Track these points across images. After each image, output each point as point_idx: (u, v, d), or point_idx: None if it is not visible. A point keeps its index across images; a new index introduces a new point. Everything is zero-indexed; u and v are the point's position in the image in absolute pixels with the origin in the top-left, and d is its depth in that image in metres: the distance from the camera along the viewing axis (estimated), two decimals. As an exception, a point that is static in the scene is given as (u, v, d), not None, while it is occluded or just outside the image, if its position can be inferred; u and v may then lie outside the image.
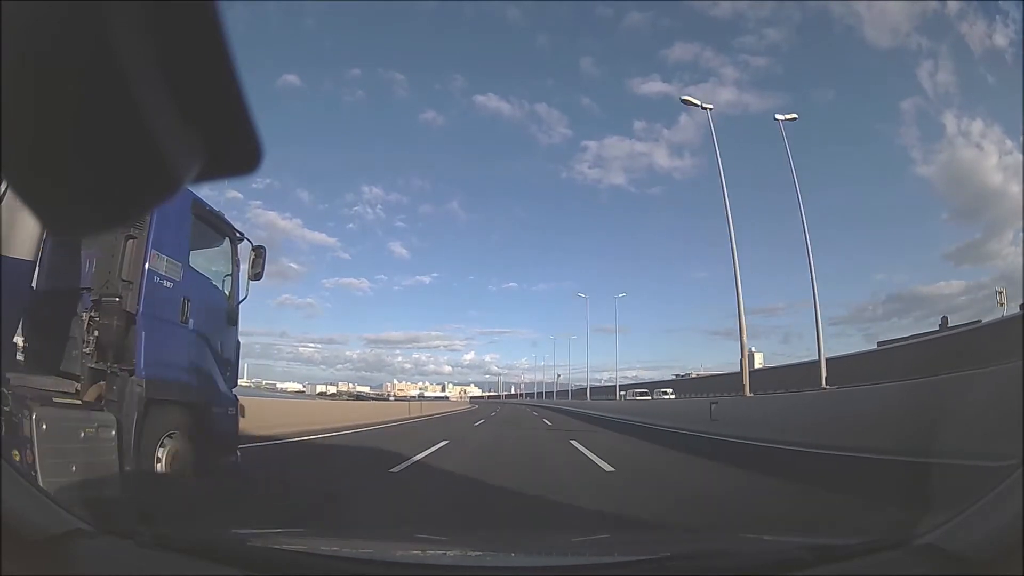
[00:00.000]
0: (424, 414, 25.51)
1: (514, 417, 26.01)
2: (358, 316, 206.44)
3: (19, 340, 3.60)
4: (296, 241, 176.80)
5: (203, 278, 4.65)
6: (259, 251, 5.31)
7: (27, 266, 3.24)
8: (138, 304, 3.77)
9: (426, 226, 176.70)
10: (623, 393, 49.32)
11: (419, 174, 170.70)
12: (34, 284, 3.88)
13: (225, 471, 4.68)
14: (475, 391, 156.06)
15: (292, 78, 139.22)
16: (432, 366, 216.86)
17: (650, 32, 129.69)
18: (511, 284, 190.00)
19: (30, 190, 0.49)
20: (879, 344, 30.70)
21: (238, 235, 5.28)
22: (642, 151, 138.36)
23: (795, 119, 20.88)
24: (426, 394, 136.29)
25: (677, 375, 64.48)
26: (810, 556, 1.33)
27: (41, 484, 2.70)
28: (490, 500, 4.94)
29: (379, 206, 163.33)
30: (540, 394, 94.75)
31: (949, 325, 23.86)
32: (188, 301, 4.25)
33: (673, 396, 41.96)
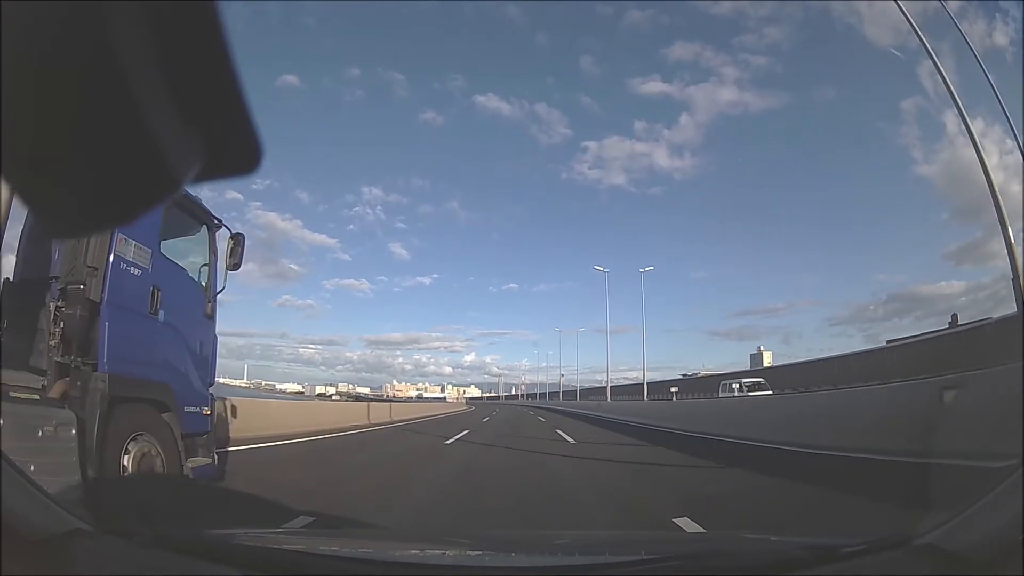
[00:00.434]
0: (395, 419, 20.81)
1: (513, 423, 20.66)
2: (358, 317, 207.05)
3: None
4: (296, 242, 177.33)
5: (176, 267, 4.37)
6: (237, 239, 4.95)
7: None
8: (102, 292, 3.50)
9: (426, 227, 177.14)
10: (735, 385, 29.42)
11: (419, 174, 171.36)
12: (11, 276, 3.84)
13: (198, 477, 4.34)
14: (475, 392, 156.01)
15: (291, 78, 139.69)
16: (432, 367, 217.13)
17: (650, 31, 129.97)
18: (511, 285, 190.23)
19: (30, 190, 0.49)
20: (888, 342, 30.79)
21: (216, 222, 4.96)
22: (642, 151, 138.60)
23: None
24: (425, 395, 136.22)
25: (684, 374, 60.88)
26: (810, 556, 1.33)
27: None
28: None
29: (379, 207, 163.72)
30: (544, 395, 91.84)
31: (960, 323, 23.75)
32: (158, 291, 3.97)
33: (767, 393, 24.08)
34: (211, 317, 4.90)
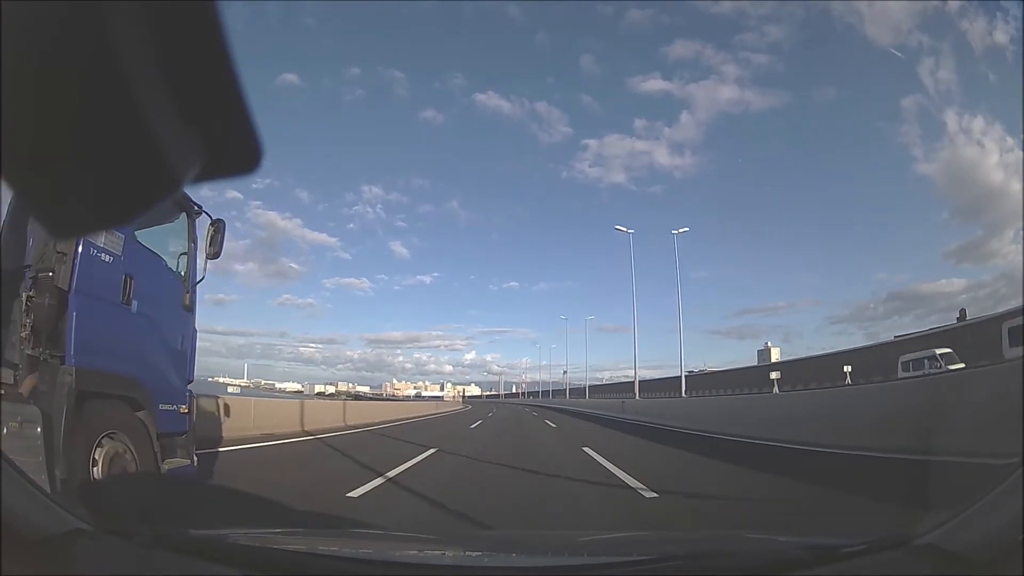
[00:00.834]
0: (368, 422, 16.62)
1: (514, 433, 14.10)
2: (359, 316, 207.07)
3: None
4: (296, 241, 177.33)
5: (151, 254, 4.11)
6: (218, 225, 4.63)
7: None
8: (71, 279, 3.25)
9: (426, 225, 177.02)
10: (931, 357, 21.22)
11: (419, 173, 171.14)
12: None
13: (175, 479, 4.08)
14: (475, 391, 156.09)
15: (291, 77, 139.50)
16: (433, 366, 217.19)
17: (651, 29, 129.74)
18: (512, 284, 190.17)
19: (30, 190, 0.49)
20: (895, 337, 30.78)
21: (195, 208, 4.66)
22: (643, 149, 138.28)
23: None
24: (423, 394, 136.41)
25: (691, 372, 60.22)
26: (810, 556, 1.33)
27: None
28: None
29: (379, 205, 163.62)
30: (547, 392, 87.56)
31: (967, 318, 23.68)
32: (131, 279, 3.69)
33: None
34: (190, 309, 4.57)
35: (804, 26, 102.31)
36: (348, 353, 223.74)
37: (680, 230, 33.50)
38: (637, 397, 30.14)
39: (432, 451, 8.83)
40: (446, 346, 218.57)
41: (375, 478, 5.85)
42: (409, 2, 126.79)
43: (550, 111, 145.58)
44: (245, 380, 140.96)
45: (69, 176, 0.48)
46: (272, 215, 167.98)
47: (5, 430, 2.85)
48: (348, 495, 4.91)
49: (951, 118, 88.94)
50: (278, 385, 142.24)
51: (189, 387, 4.54)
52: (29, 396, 3.14)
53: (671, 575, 1.35)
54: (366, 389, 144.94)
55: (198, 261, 4.70)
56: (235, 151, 0.52)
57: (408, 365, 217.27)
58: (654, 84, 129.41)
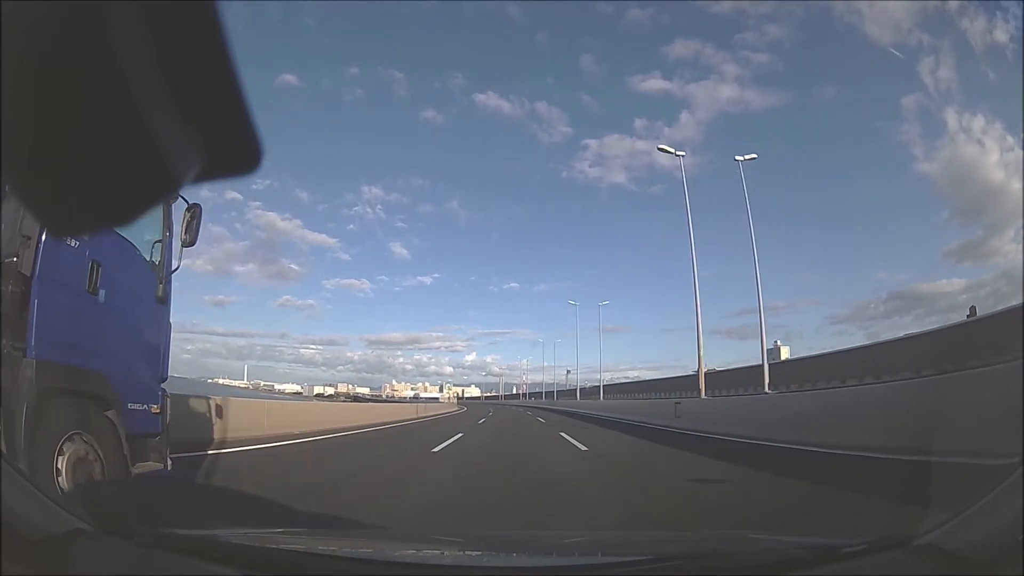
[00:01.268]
0: (340, 427, 13.91)
1: (504, 449, 10.06)
2: (359, 317, 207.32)
3: None
4: (296, 242, 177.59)
5: (121, 241, 3.80)
6: (194, 211, 4.32)
7: None
8: (34, 265, 3.02)
9: (426, 226, 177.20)
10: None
11: (419, 174, 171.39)
12: None
13: (146, 484, 3.82)
14: (475, 392, 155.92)
15: (291, 77, 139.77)
16: (433, 367, 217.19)
17: (651, 29, 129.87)
18: (512, 284, 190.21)
19: (30, 190, 0.49)
20: (905, 335, 30.42)
21: None
22: (643, 149, 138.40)
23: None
24: (422, 395, 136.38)
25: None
26: (810, 556, 1.33)
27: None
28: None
29: (379, 206, 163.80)
30: (552, 394, 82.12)
31: (977, 314, 23.51)
32: (99, 267, 3.40)
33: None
34: (163, 301, 4.27)
35: (804, 25, 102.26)
36: (349, 354, 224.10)
37: (746, 157, 22.06)
38: (703, 395, 19.49)
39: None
40: (446, 347, 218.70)
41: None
42: (409, 2, 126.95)
43: (550, 111, 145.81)
44: (244, 381, 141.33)
45: (69, 176, 0.48)
46: (272, 216, 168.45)
47: None
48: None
49: (951, 117, 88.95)
50: (277, 386, 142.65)
51: (163, 385, 4.27)
52: None
53: (671, 575, 1.35)
54: (366, 390, 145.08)
55: (173, 249, 4.36)
56: (235, 151, 0.52)
57: (408, 366, 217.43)
58: (654, 84, 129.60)
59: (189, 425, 8.37)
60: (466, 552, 1.92)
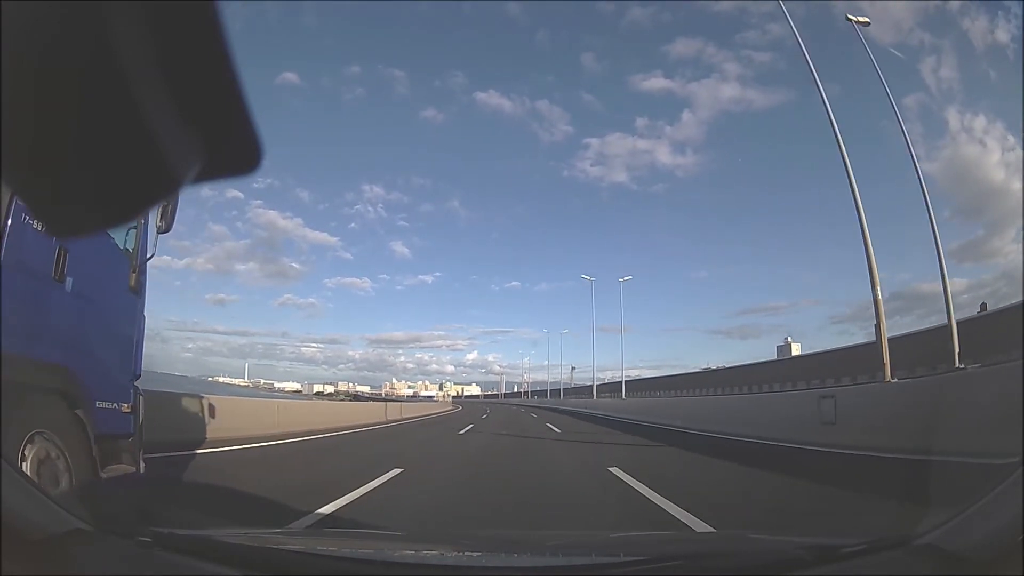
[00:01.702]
0: (307, 429, 12.72)
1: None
2: (360, 316, 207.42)
3: None
4: (297, 241, 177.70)
5: None
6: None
7: None
8: None
9: (427, 225, 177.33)
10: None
11: (420, 172, 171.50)
12: None
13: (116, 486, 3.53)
14: (475, 390, 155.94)
15: (291, 76, 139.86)
16: (435, 366, 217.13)
17: (652, 27, 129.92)
18: (513, 283, 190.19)
19: (30, 190, 0.49)
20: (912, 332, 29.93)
21: None
22: (644, 148, 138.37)
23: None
24: (421, 394, 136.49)
25: (704, 369, 54.21)
26: (810, 556, 1.33)
27: None
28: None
29: (380, 205, 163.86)
30: (558, 392, 74.52)
31: (988, 310, 23.39)
32: (66, 252, 3.16)
33: None
34: (137, 291, 3.98)
35: (806, 24, 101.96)
36: (350, 353, 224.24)
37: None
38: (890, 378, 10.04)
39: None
40: (448, 346, 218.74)
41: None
42: (409, 1, 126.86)
43: (551, 109, 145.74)
44: (245, 380, 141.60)
45: (69, 176, 0.48)
46: (273, 215, 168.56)
47: None
48: None
49: (953, 116, 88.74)
50: (277, 385, 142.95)
51: (136, 383, 3.99)
52: None
53: (671, 575, 1.35)
54: (366, 389, 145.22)
55: (148, 235, 4.11)
56: (235, 151, 0.52)
57: (410, 365, 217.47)
58: (656, 82, 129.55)
59: (168, 424, 7.93)
60: (466, 552, 1.92)
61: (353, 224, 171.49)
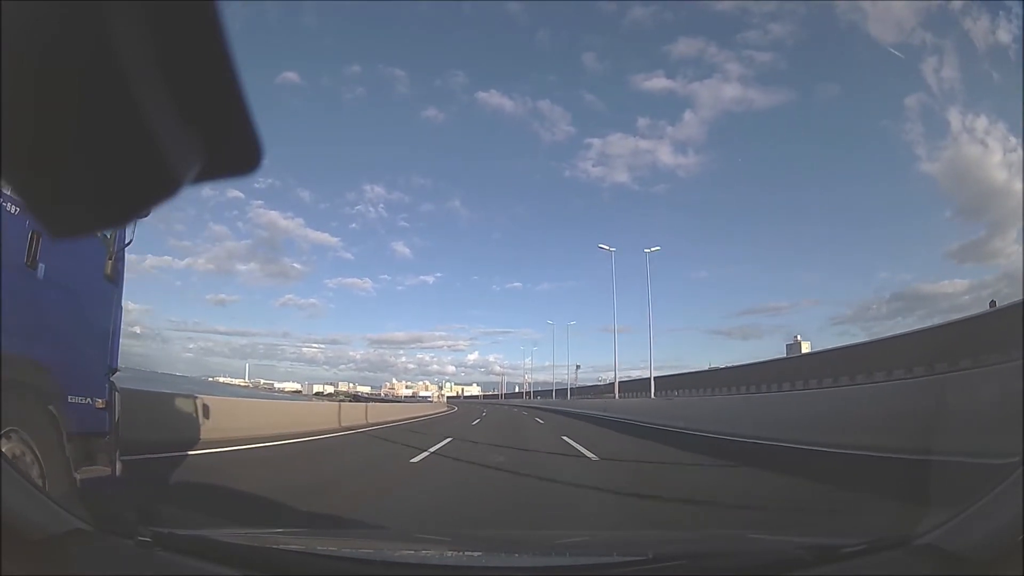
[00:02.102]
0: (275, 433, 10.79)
1: None
2: (361, 316, 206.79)
3: None
4: (298, 241, 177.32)
5: None
6: None
7: None
8: None
9: (428, 225, 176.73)
10: None
11: (421, 172, 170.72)
12: None
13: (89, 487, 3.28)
14: (475, 391, 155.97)
15: (291, 75, 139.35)
16: (436, 366, 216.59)
17: (653, 27, 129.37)
18: (515, 284, 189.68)
19: (30, 190, 0.49)
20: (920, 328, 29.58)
21: None
22: (646, 148, 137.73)
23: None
24: (421, 393, 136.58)
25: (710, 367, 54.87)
26: (810, 556, 1.33)
27: None
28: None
29: (381, 205, 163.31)
30: (565, 391, 67.59)
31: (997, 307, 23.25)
32: (39, 237, 2.95)
33: None
34: (113, 280, 3.74)
35: (807, 24, 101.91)
36: (351, 353, 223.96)
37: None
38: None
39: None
40: (449, 347, 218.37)
41: None
42: (410, 0, 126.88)
43: (552, 109, 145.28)
44: (245, 380, 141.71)
45: (69, 176, 0.48)
46: (274, 215, 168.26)
47: None
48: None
49: (954, 117, 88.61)
50: (277, 385, 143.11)
51: (112, 377, 3.74)
52: None
53: (671, 575, 1.35)
54: (367, 389, 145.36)
55: None
56: (235, 151, 0.52)
57: (411, 365, 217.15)
58: (657, 82, 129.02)
59: (143, 424, 6.85)
60: (466, 552, 1.92)
61: (354, 224, 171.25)
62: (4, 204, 2.86)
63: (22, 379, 2.88)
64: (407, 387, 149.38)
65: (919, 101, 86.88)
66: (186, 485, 5.54)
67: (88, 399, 3.45)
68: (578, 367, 68.74)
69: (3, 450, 2.63)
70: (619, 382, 36.45)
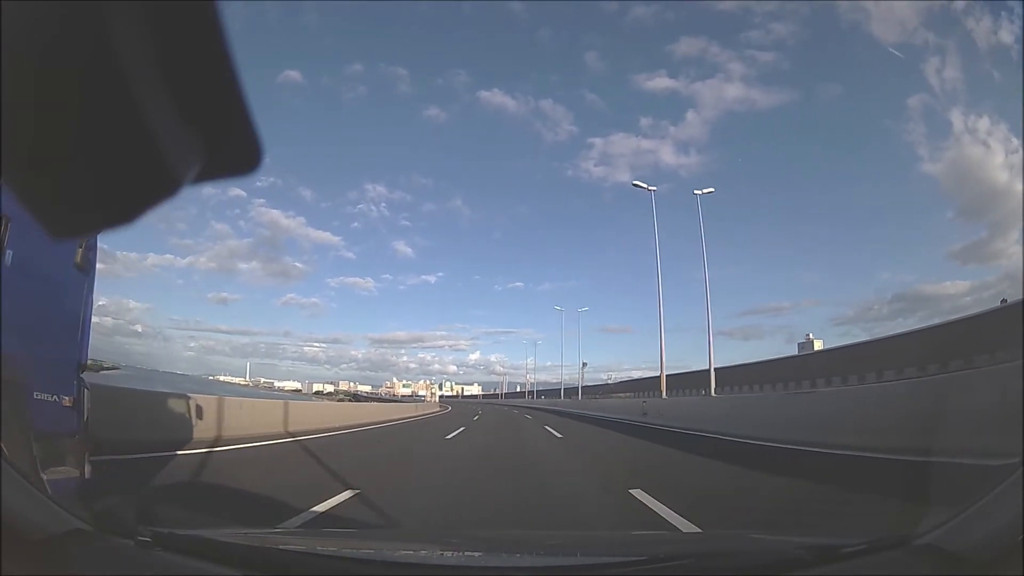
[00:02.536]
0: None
1: None
2: (363, 316, 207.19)
3: None
4: (300, 240, 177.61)
5: None
6: None
7: None
8: None
9: (430, 224, 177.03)
10: None
11: (422, 172, 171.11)
12: None
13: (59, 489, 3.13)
14: (476, 390, 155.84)
15: (293, 74, 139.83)
16: (437, 366, 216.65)
17: (655, 26, 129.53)
18: (516, 284, 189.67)
19: (30, 190, 0.49)
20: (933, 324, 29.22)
21: None
22: (648, 148, 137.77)
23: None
24: (420, 392, 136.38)
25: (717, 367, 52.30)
26: (810, 556, 1.33)
27: None
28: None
29: (383, 204, 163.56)
30: (576, 391, 61.65)
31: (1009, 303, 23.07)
32: (8, 221, 2.82)
33: None
34: (84, 268, 3.54)
35: (810, 23, 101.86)
36: (352, 353, 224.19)
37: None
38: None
39: None
40: (450, 346, 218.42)
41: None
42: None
43: (555, 108, 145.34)
44: (245, 379, 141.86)
45: (69, 176, 0.48)
46: (275, 213, 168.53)
47: None
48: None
49: (956, 117, 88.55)
50: (277, 384, 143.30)
51: (82, 373, 3.53)
52: None
53: (671, 575, 1.35)
54: (367, 388, 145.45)
55: None
56: (235, 151, 0.52)
57: (412, 365, 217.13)
58: (660, 82, 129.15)
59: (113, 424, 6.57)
60: (466, 552, 1.92)
61: (356, 223, 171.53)
62: None
63: None
64: (404, 386, 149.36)
65: (921, 101, 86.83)
66: (159, 486, 5.30)
67: (55, 396, 3.25)
68: (584, 364, 63.89)
69: None
70: (620, 382, 35.25)
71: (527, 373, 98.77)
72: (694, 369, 40.71)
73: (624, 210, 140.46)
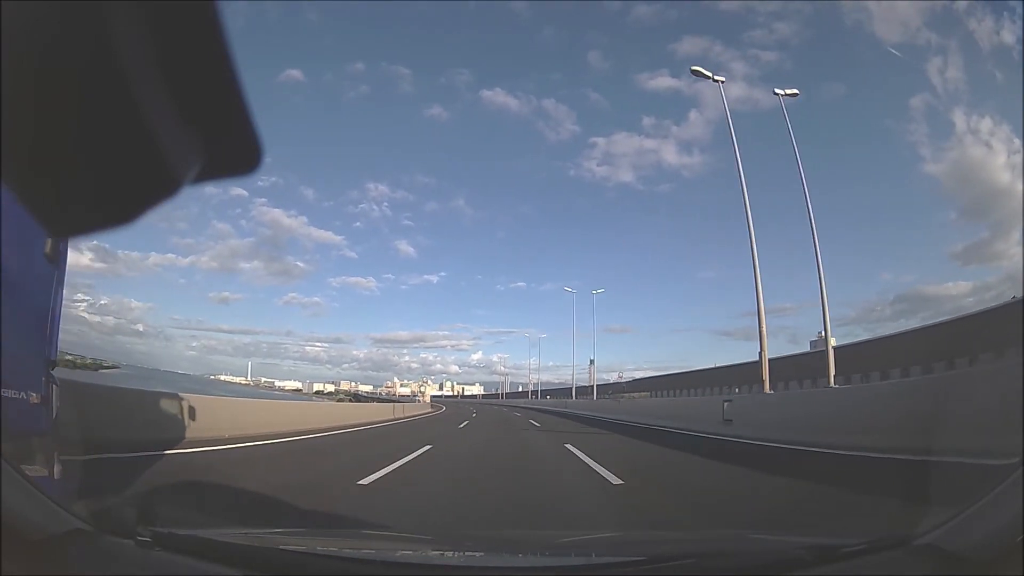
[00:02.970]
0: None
1: None
2: (365, 315, 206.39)
3: None
4: (301, 239, 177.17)
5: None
6: None
7: None
8: None
9: (432, 224, 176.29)
10: None
11: (425, 171, 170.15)
12: None
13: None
14: (477, 390, 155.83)
15: (295, 73, 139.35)
16: (439, 366, 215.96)
17: (658, 26, 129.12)
18: (519, 283, 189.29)
19: (30, 190, 0.49)
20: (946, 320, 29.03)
21: None
22: (651, 147, 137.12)
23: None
24: (411, 392, 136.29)
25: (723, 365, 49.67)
26: (810, 556, 1.33)
27: None
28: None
29: (385, 203, 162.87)
30: (590, 390, 54.05)
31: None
32: None
33: None
34: (54, 260, 3.40)
35: (812, 23, 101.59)
36: (354, 352, 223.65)
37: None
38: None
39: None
40: (452, 346, 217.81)
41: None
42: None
43: (557, 108, 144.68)
44: (246, 379, 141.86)
45: (69, 176, 0.48)
46: (277, 213, 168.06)
47: None
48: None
49: (959, 118, 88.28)
50: (278, 383, 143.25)
51: (53, 370, 3.40)
52: None
53: (671, 575, 1.35)
54: (369, 388, 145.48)
55: None
56: (235, 151, 0.52)
57: (414, 365, 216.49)
58: (662, 81, 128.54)
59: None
60: (466, 552, 1.92)
61: (358, 223, 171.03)
62: None
63: None
64: (402, 385, 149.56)
65: (923, 102, 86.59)
66: (158, 486, 5.03)
67: (21, 393, 3.11)
68: (592, 361, 62.18)
69: None
70: (623, 381, 27.52)
71: (530, 373, 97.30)
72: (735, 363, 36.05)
73: (627, 210, 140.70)
